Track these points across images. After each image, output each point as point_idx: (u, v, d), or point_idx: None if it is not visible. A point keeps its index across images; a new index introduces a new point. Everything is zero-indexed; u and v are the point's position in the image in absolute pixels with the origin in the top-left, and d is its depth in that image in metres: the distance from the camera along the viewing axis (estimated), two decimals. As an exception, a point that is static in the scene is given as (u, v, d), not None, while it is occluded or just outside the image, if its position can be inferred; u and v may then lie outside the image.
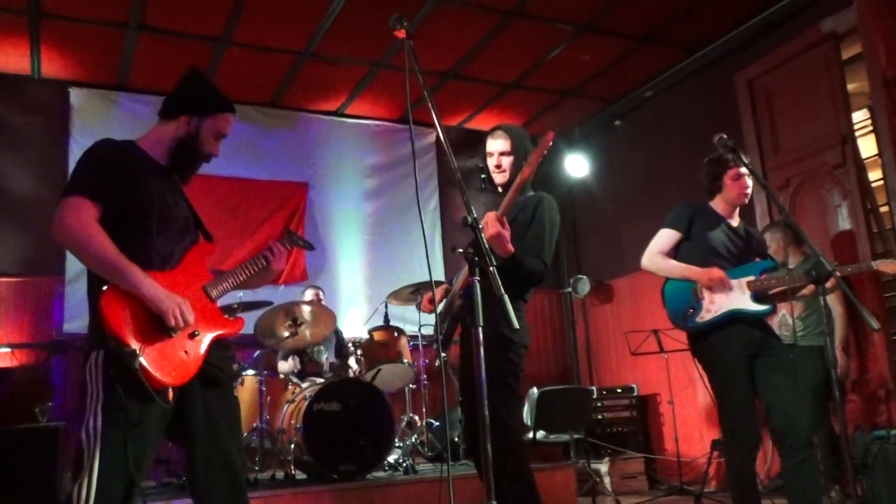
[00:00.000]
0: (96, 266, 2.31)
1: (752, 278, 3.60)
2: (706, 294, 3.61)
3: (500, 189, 3.32)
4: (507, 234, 2.92)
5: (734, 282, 3.58)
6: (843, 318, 5.04)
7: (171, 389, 2.33)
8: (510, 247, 2.95)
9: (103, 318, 2.25)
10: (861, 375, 5.23)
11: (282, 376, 5.51)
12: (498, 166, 3.28)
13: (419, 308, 3.74)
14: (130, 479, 2.24)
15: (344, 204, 7.39)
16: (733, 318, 3.55)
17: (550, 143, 2.87)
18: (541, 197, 3.23)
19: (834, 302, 4.92)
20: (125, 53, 6.06)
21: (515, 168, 3.21)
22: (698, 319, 3.61)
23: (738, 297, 3.57)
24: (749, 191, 3.72)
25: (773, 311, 3.68)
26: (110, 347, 2.26)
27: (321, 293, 6.12)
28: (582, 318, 8.20)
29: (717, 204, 3.77)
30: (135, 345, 2.25)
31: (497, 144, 3.29)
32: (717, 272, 3.56)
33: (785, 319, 5.15)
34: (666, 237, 3.77)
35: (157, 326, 2.32)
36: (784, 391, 3.45)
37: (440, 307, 3.28)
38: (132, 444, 2.24)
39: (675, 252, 3.77)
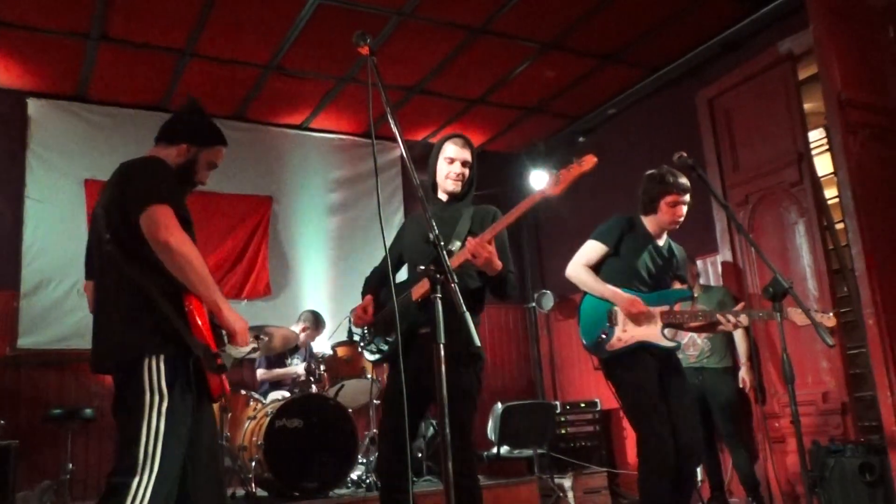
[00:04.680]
0: (195, 276, 2.37)
1: (666, 308, 3.57)
2: (621, 320, 3.54)
3: (445, 197, 3.18)
4: (493, 252, 2.86)
5: (649, 311, 3.55)
6: (743, 338, 5.24)
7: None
8: (499, 264, 2.88)
9: (194, 324, 2.33)
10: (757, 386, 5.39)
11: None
12: (460, 175, 3.13)
13: (350, 323, 3.57)
14: (182, 479, 2.36)
15: (308, 218, 7.34)
16: (641, 348, 3.54)
17: (592, 166, 2.88)
18: (494, 210, 3.15)
19: None
20: (85, 64, 5.95)
21: (469, 182, 3.16)
22: (608, 347, 3.56)
23: (649, 328, 3.54)
24: (681, 219, 3.67)
25: (679, 348, 3.66)
26: (176, 352, 2.32)
27: (309, 325, 6.08)
28: (546, 333, 8.24)
29: (649, 222, 3.73)
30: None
31: (464, 153, 3.15)
32: (639, 304, 3.51)
33: (693, 339, 5.27)
34: (593, 249, 3.70)
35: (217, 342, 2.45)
36: (690, 416, 3.51)
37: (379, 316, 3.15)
38: (186, 446, 2.37)
39: (600, 265, 3.71)
